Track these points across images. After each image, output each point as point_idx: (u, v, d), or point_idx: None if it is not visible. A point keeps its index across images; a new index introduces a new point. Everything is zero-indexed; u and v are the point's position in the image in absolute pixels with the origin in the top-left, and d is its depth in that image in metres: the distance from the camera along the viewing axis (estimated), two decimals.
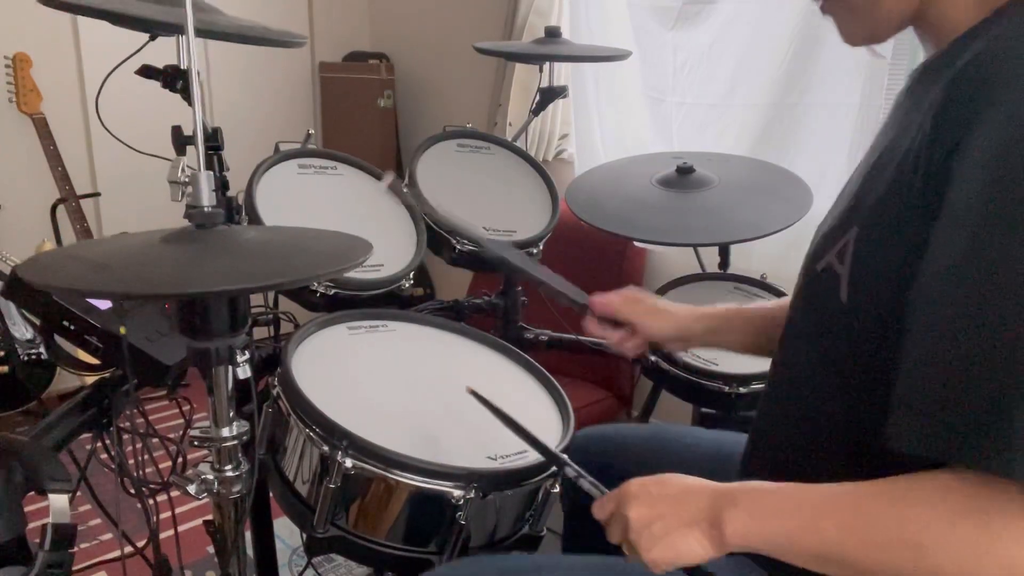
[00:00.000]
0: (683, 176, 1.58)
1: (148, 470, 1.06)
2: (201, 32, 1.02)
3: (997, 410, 0.54)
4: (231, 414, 0.91)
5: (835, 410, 0.75)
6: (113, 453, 1.05)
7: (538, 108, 1.84)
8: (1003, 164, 0.56)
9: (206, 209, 0.80)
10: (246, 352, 0.85)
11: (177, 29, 1.09)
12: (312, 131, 1.40)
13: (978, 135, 0.58)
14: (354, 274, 1.20)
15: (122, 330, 0.93)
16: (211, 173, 0.82)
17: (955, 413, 0.56)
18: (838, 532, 0.62)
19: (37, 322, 0.99)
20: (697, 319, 1.05)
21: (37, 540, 0.80)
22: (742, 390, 1.34)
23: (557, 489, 0.96)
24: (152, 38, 1.18)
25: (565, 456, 0.84)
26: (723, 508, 0.67)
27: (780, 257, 1.76)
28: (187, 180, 0.91)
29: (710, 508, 0.68)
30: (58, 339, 1.03)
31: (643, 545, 0.69)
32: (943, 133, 0.61)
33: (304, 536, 0.93)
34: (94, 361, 1.00)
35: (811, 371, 0.78)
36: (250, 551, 1.30)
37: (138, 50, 1.18)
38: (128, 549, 1.03)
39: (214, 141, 1.19)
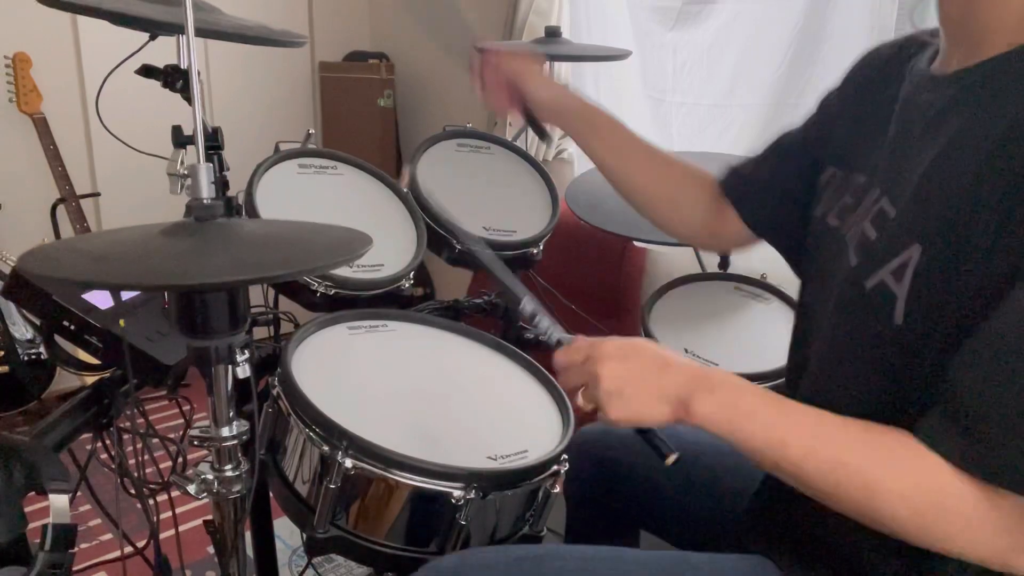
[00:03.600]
0: None
1: (148, 470, 1.06)
2: (201, 32, 1.02)
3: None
4: (231, 414, 0.91)
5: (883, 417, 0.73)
6: (113, 453, 1.05)
7: None
8: None
9: (205, 202, 0.80)
10: (246, 351, 0.85)
11: (177, 29, 1.09)
12: (312, 131, 1.40)
13: None
14: (354, 274, 1.20)
15: (121, 323, 0.93)
16: (210, 165, 0.82)
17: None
18: (801, 457, 0.67)
19: (37, 322, 0.99)
20: (575, 97, 1.08)
21: (37, 540, 0.80)
22: None
23: (557, 489, 0.96)
24: (152, 38, 1.17)
25: (526, 292, 0.84)
26: (698, 390, 0.71)
27: (780, 257, 1.76)
28: (186, 173, 0.90)
29: (685, 386, 0.72)
30: (58, 339, 1.03)
31: (611, 403, 0.73)
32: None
33: (304, 536, 0.93)
34: (94, 361, 1.00)
35: (860, 384, 0.75)
36: (250, 551, 1.30)
37: (138, 50, 1.18)
38: (128, 549, 1.03)
39: (214, 141, 1.19)
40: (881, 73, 0.83)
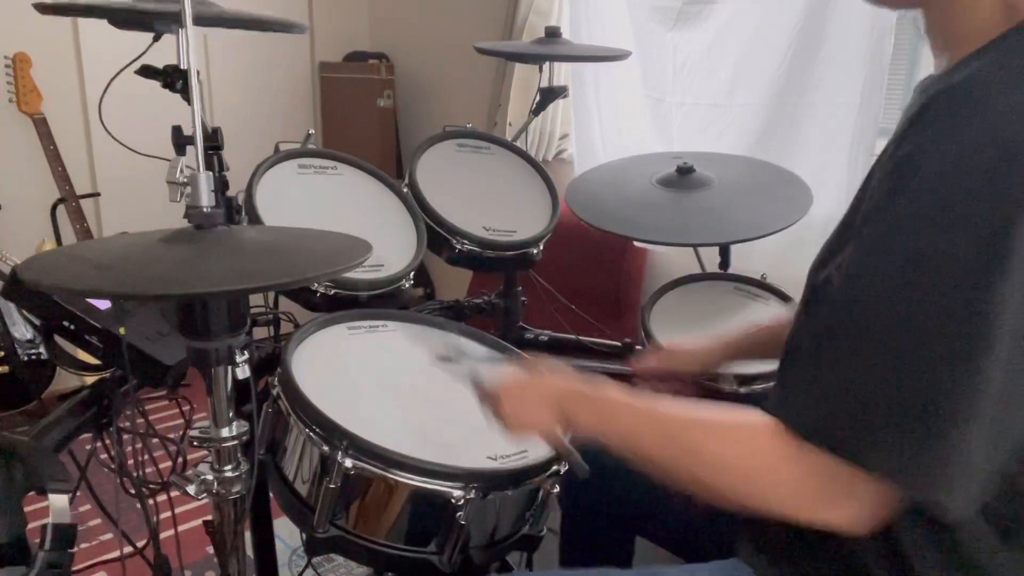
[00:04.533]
0: (683, 176, 1.58)
1: (148, 470, 1.06)
2: (200, 21, 1.01)
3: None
4: (231, 414, 0.91)
5: None
6: (113, 453, 1.05)
7: (538, 108, 1.84)
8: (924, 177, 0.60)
9: (205, 210, 0.80)
10: (245, 352, 0.85)
11: (175, 20, 1.08)
12: (312, 131, 1.40)
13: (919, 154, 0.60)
14: (354, 274, 1.20)
15: (122, 330, 0.93)
16: (210, 173, 0.82)
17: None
18: (654, 448, 0.75)
19: (37, 322, 0.99)
20: (712, 351, 1.19)
21: (37, 540, 0.80)
22: (742, 390, 1.34)
23: (557, 489, 0.96)
24: (156, 38, 1.17)
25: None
26: (572, 399, 0.81)
27: (780, 257, 1.76)
28: (186, 181, 0.91)
29: (563, 397, 0.81)
30: (58, 339, 1.03)
31: (513, 428, 0.84)
32: (899, 148, 0.63)
33: (304, 536, 0.93)
34: (94, 361, 1.00)
35: None
36: (250, 551, 1.30)
37: (143, 53, 1.18)
38: (128, 549, 1.03)
39: (214, 141, 1.19)
40: None
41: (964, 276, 0.57)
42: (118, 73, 1.25)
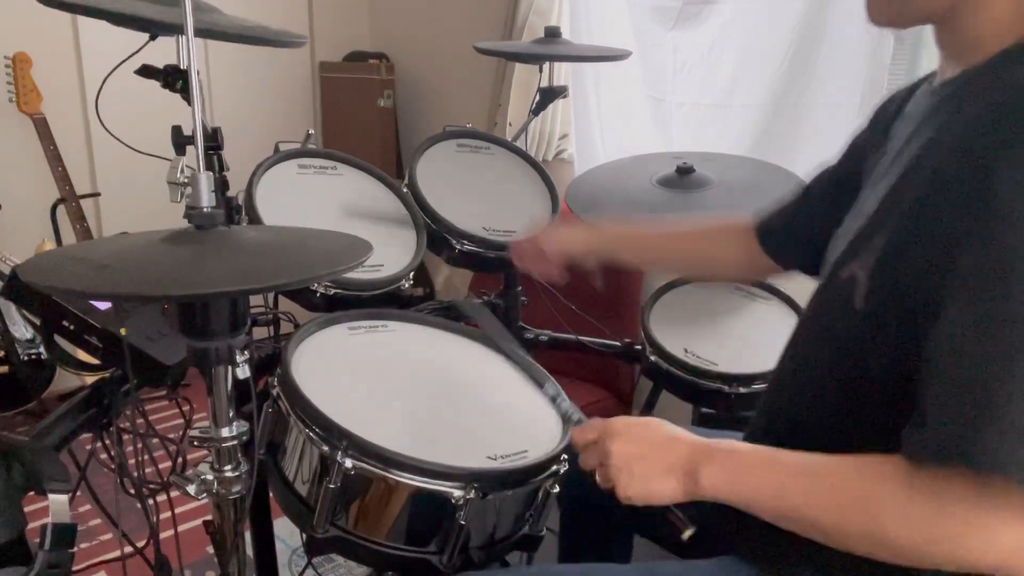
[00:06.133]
0: (683, 176, 1.58)
1: (148, 470, 1.06)
2: (201, 32, 1.02)
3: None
4: (231, 414, 0.91)
5: (831, 409, 0.78)
6: (113, 453, 1.05)
7: (538, 108, 1.84)
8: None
9: (205, 210, 0.80)
10: (246, 352, 0.85)
11: (177, 29, 1.09)
12: (312, 131, 1.40)
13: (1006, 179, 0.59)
14: (354, 274, 1.20)
15: (122, 331, 0.93)
16: (210, 173, 0.82)
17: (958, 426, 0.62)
18: (803, 496, 0.70)
19: (37, 322, 1.00)
20: (591, 235, 1.21)
21: (37, 540, 0.80)
22: (742, 390, 1.34)
23: (557, 489, 0.96)
24: (152, 38, 1.17)
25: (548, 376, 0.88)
26: (700, 462, 0.74)
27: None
28: (186, 181, 0.91)
29: (688, 459, 0.75)
30: (58, 339, 1.03)
31: (621, 480, 0.77)
32: (974, 158, 0.62)
33: (304, 536, 0.93)
34: (94, 361, 1.00)
35: (817, 370, 0.80)
36: (250, 551, 1.30)
37: (138, 50, 1.18)
38: (128, 549, 1.03)
39: (214, 141, 1.19)
40: (897, 107, 0.87)
41: None
42: (113, 69, 1.25)
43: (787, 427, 0.85)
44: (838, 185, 0.97)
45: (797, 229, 1.05)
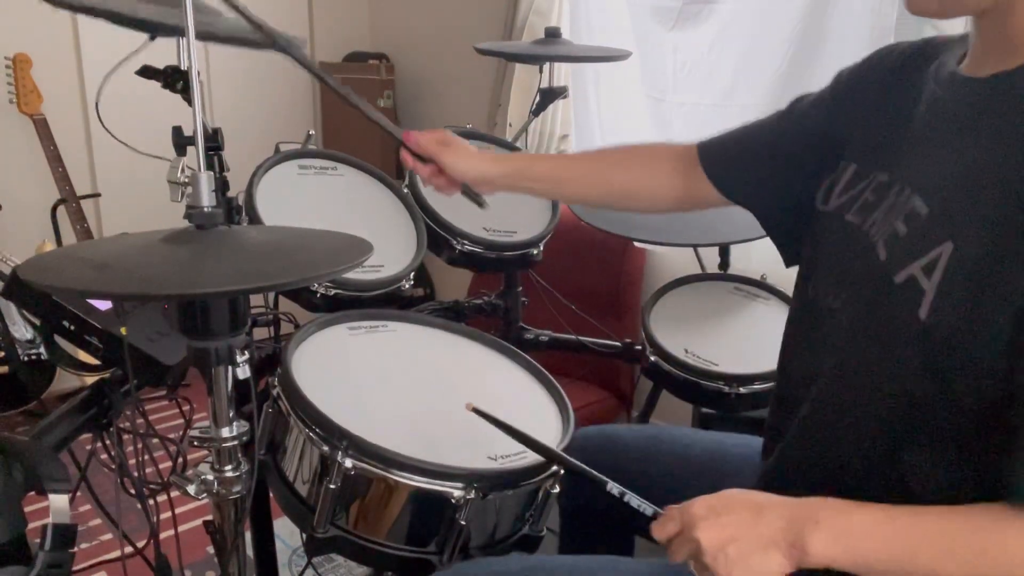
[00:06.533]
0: None
1: (148, 470, 1.06)
2: (201, 35, 1.02)
3: None
4: (231, 414, 0.91)
5: (895, 417, 0.73)
6: (113, 453, 1.05)
7: (538, 108, 1.84)
8: None
9: (206, 209, 0.80)
10: (246, 352, 0.85)
11: (177, 31, 1.09)
12: (312, 131, 1.40)
13: None
14: (354, 275, 1.20)
15: (123, 331, 0.93)
16: (211, 174, 0.82)
17: None
18: (931, 562, 0.65)
19: (37, 322, 0.99)
20: (494, 163, 1.12)
21: (37, 540, 0.80)
22: (742, 390, 1.34)
23: (557, 489, 0.96)
24: (152, 38, 1.17)
25: (606, 479, 0.82)
26: (804, 528, 0.68)
27: (780, 257, 1.76)
28: (187, 180, 0.91)
29: (788, 528, 0.68)
30: (58, 339, 1.03)
31: (720, 569, 0.69)
32: None
33: (304, 536, 0.93)
34: (94, 361, 1.00)
35: (875, 381, 0.75)
36: (250, 551, 1.30)
37: (136, 51, 1.18)
38: (128, 549, 1.03)
39: (214, 142, 1.19)
40: (900, 74, 0.84)
41: None
42: (113, 70, 1.25)
43: (841, 431, 0.79)
44: (822, 138, 0.91)
45: (752, 161, 1.02)
